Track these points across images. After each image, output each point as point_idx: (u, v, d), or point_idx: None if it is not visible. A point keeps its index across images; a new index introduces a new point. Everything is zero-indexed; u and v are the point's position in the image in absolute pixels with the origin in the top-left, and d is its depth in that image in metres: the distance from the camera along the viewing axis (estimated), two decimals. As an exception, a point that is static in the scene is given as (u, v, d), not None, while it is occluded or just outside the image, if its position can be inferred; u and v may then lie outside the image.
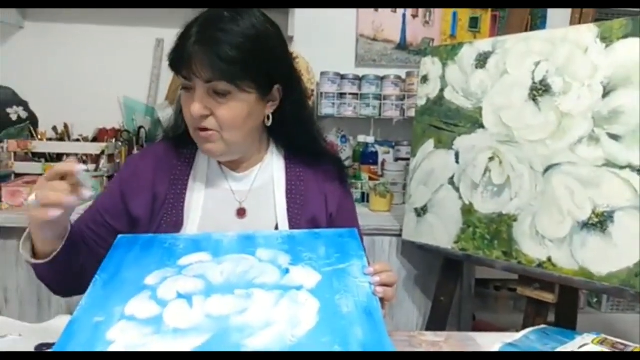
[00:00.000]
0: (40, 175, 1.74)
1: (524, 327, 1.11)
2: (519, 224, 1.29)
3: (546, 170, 1.25)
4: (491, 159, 1.35)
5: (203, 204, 0.94)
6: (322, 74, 2.02)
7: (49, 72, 2.10)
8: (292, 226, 0.95)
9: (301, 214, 0.97)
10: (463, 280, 1.71)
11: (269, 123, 0.95)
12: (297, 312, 0.68)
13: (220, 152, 0.90)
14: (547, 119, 1.25)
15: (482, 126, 1.38)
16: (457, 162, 1.43)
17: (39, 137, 1.93)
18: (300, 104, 0.99)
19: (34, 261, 0.82)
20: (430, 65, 1.52)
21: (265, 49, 0.88)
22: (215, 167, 0.98)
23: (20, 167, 1.80)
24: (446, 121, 1.46)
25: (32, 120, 2.01)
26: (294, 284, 0.73)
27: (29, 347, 0.75)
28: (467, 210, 1.39)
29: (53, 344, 0.70)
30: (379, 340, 0.64)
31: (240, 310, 0.68)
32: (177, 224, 0.92)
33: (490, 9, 2.19)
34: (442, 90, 1.48)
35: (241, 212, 0.96)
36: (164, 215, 0.93)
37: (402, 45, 2.20)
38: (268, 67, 0.88)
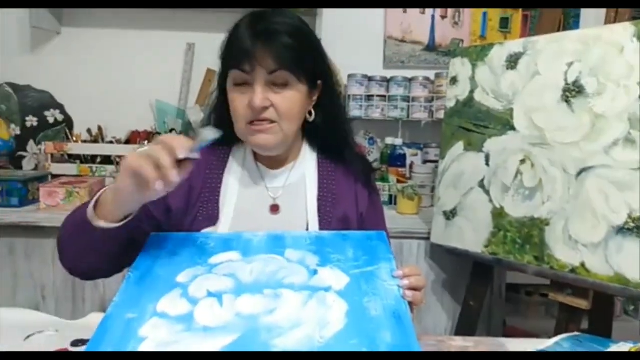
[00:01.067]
0: (76, 176, 1.80)
1: (556, 333, 1.08)
2: (551, 228, 1.26)
3: (579, 173, 1.22)
4: (523, 161, 1.33)
5: (237, 199, 0.96)
6: (350, 76, 2.02)
7: (84, 76, 2.16)
8: (323, 225, 0.95)
9: (332, 213, 0.97)
10: (493, 285, 1.69)
11: (312, 118, 0.97)
12: (325, 314, 0.68)
13: (275, 143, 0.92)
14: (580, 121, 1.22)
15: (513, 128, 1.35)
16: (487, 164, 1.41)
17: (74, 139, 1.99)
18: (336, 101, 1.01)
19: (104, 224, 0.78)
20: (459, 67, 1.51)
21: (312, 42, 0.93)
22: (250, 164, 1.00)
23: (56, 168, 1.86)
24: (476, 123, 1.44)
25: (68, 122, 2.08)
26: (323, 285, 0.73)
27: (65, 343, 0.77)
28: (498, 214, 1.37)
29: (87, 340, 0.71)
30: (408, 344, 0.64)
31: (269, 310, 0.69)
32: (212, 217, 0.94)
33: (521, 9, 2.15)
34: (471, 91, 1.46)
35: (274, 209, 0.97)
36: (200, 208, 0.94)
37: (431, 47, 2.18)
38: (316, 60, 0.93)
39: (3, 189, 1.63)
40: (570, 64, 1.25)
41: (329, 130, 1.00)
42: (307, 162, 1.02)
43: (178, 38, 2.15)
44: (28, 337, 0.79)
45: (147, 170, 0.69)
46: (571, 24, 2.15)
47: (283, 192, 0.99)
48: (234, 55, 0.89)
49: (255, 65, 0.86)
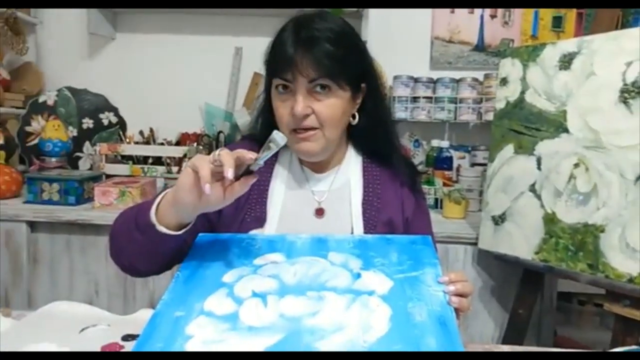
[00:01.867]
0: (128, 176, 1.87)
1: (612, 346, 1.04)
2: (607, 235, 1.20)
3: (638, 178, 1.16)
4: (576, 165, 1.28)
5: (283, 202, 0.97)
6: (395, 77, 2.00)
7: (137, 79, 2.24)
8: (367, 229, 0.95)
9: (377, 217, 0.97)
10: (544, 293, 1.63)
11: (355, 121, 0.97)
12: (368, 318, 0.68)
13: (318, 150, 0.92)
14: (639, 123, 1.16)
15: (566, 130, 1.30)
16: (538, 168, 1.36)
17: (127, 140, 2.06)
18: (381, 104, 1.00)
19: (170, 232, 0.79)
20: (510, 67, 1.46)
21: (355, 45, 0.92)
22: (296, 168, 1.01)
23: (110, 168, 1.94)
24: (527, 125, 1.40)
25: (122, 125, 2.16)
26: (366, 289, 0.73)
27: (116, 337, 0.79)
28: (550, 219, 1.32)
29: (137, 335, 0.74)
30: (454, 350, 0.62)
31: (313, 312, 0.69)
32: (260, 219, 0.95)
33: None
34: (522, 92, 1.42)
35: (319, 212, 0.98)
36: (248, 210, 0.96)
37: (480, 47, 2.13)
38: (359, 64, 0.92)
39: (61, 187, 1.72)
40: (629, 64, 1.19)
41: (373, 133, 1.00)
42: (352, 165, 1.01)
43: (226, 42, 2.20)
44: (82, 330, 0.82)
45: (203, 169, 0.69)
46: (630, 21, 2.04)
47: (328, 196, 0.99)
48: (276, 64, 0.90)
49: (297, 73, 0.87)
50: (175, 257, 0.86)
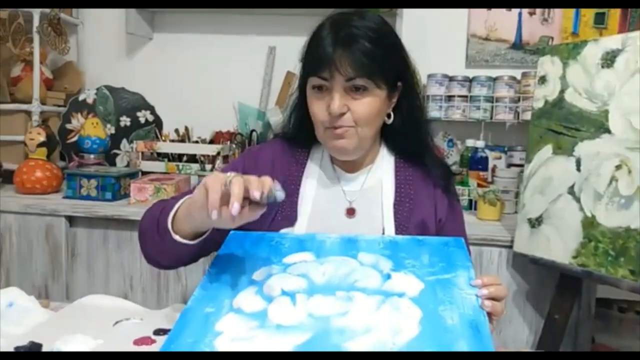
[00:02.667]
0: (164, 173, 1.90)
1: (655, 356, 0.99)
2: (651, 241, 1.15)
3: (686, 181, 1.10)
4: (618, 167, 1.23)
5: (314, 201, 0.97)
6: (430, 76, 1.97)
7: (173, 78, 2.28)
8: (399, 230, 0.94)
9: (409, 218, 0.95)
10: (582, 299, 1.57)
11: (390, 121, 0.96)
12: (398, 320, 0.67)
13: (352, 148, 0.92)
14: (689, 124, 1.11)
15: (608, 131, 1.25)
16: (578, 169, 1.32)
17: (163, 138, 2.10)
18: (415, 103, 0.99)
19: (183, 241, 0.81)
20: (549, 65, 1.42)
21: (393, 44, 0.92)
22: (328, 167, 1.00)
23: (146, 165, 1.97)
24: (566, 125, 1.35)
25: (158, 123, 2.20)
26: (396, 291, 0.72)
27: (149, 331, 0.81)
28: (589, 223, 1.28)
29: (168, 330, 0.75)
30: (486, 355, 0.61)
31: (342, 312, 0.69)
32: (290, 218, 0.95)
33: (620, 3, 1.98)
34: (562, 91, 1.37)
35: (350, 212, 0.97)
36: (279, 209, 0.96)
37: (518, 45, 2.07)
38: (396, 63, 0.92)
39: (99, 184, 1.76)
40: (677, 61, 1.14)
41: (407, 133, 0.98)
42: (384, 165, 1.00)
43: (260, 42, 2.21)
44: (116, 323, 0.84)
45: (213, 192, 0.68)
46: (679, 17, 1.95)
47: (359, 196, 0.98)
48: (313, 62, 0.89)
49: (334, 72, 0.86)
50: (198, 256, 0.87)
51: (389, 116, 0.96)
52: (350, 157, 0.96)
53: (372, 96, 0.89)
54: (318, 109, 0.91)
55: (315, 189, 0.98)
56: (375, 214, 0.97)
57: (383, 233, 0.94)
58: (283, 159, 1.01)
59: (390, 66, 0.90)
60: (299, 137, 1.01)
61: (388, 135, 1.01)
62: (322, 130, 0.92)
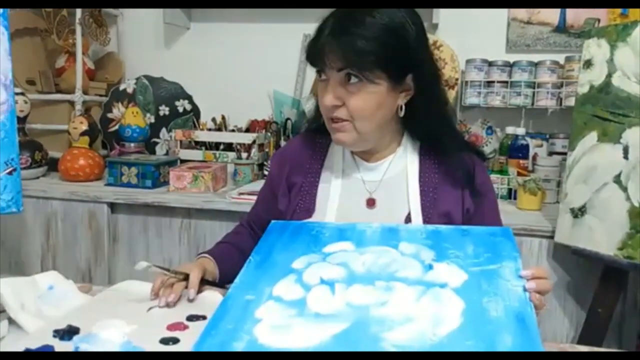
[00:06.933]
0: (201, 161, 1.93)
1: None
2: None
3: None
4: (670, 155, 1.17)
5: (332, 192, 0.98)
6: (468, 61, 1.93)
7: (210, 68, 2.30)
8: (423, 221, 0.93)
9: (434, 208, 0.94)
10: (627, 292, 1.52)
11: (402, 113, 0.94)
12: (439, 311, 0.66)
13: (351, 141, 0.93)
14: None
15: (659, 117, 1.20)
16: (625, 157, 1.27)
17: (201, 127, 2.13)
18: (434, 94, 0.96)
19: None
20: (595, 48, 1.36)
21: (398, 39, 0.88)
22: (348, 157, 1.01)
23: (184, 153, 2.01)
24: (613, 111, 1.30)
25: (196, 112, 2.23)
26: (438, 281, 0.71)
27: (182, 317, 0.81)
28: (636, 213, 1.23)
29: (201, 316, 0.76)
30: (533, 350, 0.59)
31: (381, 302, 0.68)
32: (309, 210, 0.97)
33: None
34: (609, 75, 1.32)
35: (370, 202, 0.97)
36: (299, 201, 0.99)
37: (561, 28, 1.99)
38: (401, 57, 0.88)
39: (139, 171, 1.81)
40: None
41: (429, 122, 0.96)
42: (407, 155, 0.99)
43: (295, 29, 2.20)
44: (150, 309, 0.85)
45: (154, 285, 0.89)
46: None
47: (380, 186, 0.97)
48: (309, 52, 0.92)
49: (325, 63, 0.88)
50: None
51: (402, 108, 0.94)
52: (355, 149, 0.96)
53: (368, 90, 0.88)
54: (320, 100, 0.93)
55: (335, 180, 0.99)
56: (398, 205, 0.95)
57: (406, 223, 0.93)
58: (302, 155, 1.04)
59: (390, 61, 0.87)
60: (323, 125, 1.01)
61: (411, 125, 0.99)
62: (326, 121, 0.94)
